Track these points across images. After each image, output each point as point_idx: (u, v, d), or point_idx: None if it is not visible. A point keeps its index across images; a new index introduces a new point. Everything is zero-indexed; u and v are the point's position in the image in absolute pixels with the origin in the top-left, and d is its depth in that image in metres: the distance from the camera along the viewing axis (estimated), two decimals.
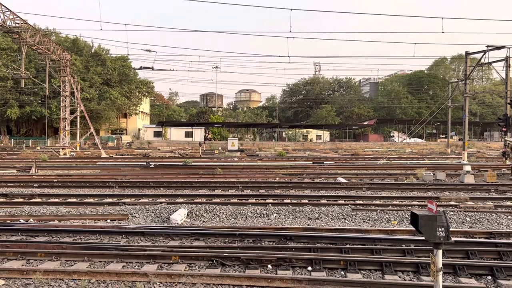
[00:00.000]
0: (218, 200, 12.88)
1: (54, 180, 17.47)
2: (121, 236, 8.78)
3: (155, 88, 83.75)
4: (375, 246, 7.84)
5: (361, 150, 50.06)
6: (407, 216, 10.56)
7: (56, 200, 13.18)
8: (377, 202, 12.91)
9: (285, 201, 12.88)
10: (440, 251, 4.94)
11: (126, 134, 73.66)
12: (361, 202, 12.81)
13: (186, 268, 6.95)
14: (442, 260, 5.09)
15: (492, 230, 9.30)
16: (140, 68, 54.40)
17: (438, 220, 4.80)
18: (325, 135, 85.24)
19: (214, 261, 7.07)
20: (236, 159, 32.26)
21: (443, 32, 27.30)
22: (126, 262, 7.17)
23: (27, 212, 11.15)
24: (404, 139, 72.43)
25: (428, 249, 7.35)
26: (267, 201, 12.74)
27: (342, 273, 6.77)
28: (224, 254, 7.25)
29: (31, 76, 38.79)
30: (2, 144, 55.41)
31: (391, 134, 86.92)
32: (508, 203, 12.84)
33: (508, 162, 27.14)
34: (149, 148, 52.66)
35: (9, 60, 54.06)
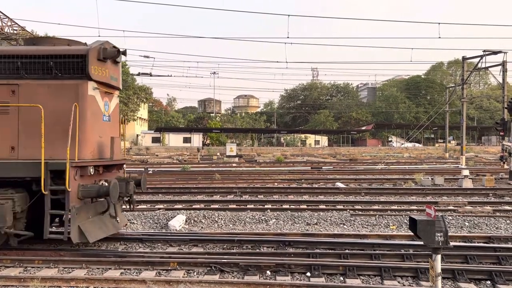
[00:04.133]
0: (216, 206, 12.86)
1: None
2: (119, 242, 8.74)
3: (153, 94, 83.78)
4: (374, 251, 7.83)
5: (359, 155, 50.12)
6: (406, 221, 10.55)
7: None
8: (376, 207, 12.90)
9: (284, 206, 12.85)
10: (439, 256, 4.93)
11: (124, 140, 73.48)
12: (359, 207, 12.81)
13: (184, 274, 6.92)
14: (441, 265, 5.09)
15: (491, 234, 9.30)
16: (138, 74, 54.45)
17: (437, 225, 4.81)
18: (323, 140, 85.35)
19: (213, 267, 7.05)
20: (234, 165, 32.26)
21: (440, 37, 27.39)
22: (124, 269, 7.13)
23: None
24: (402, 144, 72.58)
25: (427, 254, 7.35)
26: (266, 206, 12.72)
27: (341, 278, 6.76)
28: (223, 260, 7.23)
29: None
30: None
31: (389, 139, 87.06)
32: (507, 207, 12.85)
33: (506, 166, 27.18)
34: (147, 154, 52.61)
35: None
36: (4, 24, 28.31)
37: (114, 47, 8.17)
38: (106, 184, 7.83)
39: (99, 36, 25.30)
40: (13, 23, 29.15)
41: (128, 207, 8.71)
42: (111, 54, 7.99)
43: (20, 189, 7.45)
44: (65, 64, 7.58)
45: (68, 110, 7.31)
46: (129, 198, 8.47)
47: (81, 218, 7.44)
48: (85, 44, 8.21)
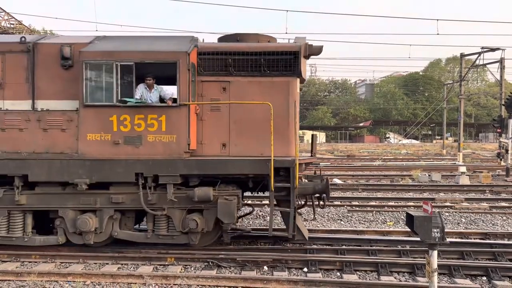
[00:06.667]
0: None
1: None
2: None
3: None
4: (371, 247, 7.86)
5: (357, 151, 50.13)
6: (403, 217, 10.59)
7: None
8: (373, 203, 12.93)
9: None
10: (435, 252, 4.95)
11: None
12: (357, 203, 12.84)
13: (181, 269, 6.93)
14: (437, 261, 5.11)
15: (487, 231, 9.35)
16: None
17: (433, 221, 4.82)
18: (321, 136, 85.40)
19: (210, 262, 7.07)
20: None
21: (438, 34, 27.35)
22: (122, 264, 7.14)
23: None
24: (400, 140, 72.74)
25: (423, 250, 7.38)
26: (264, 202, 12.73)
27: (338, 274, 6.78)
28: (220, 255, 7.24)
29: None
30: None
31: (387, 135, 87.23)
32: (503, 204, 12.90)
33: (503, 163, 27.27)
34: None
35: None
36: (1, 18, 28.13)
37: None
38: (306, 181, 7.86)
39: (96, 30, 25.12)
40: (10, 17, 28.95)
41: (319, 204, 8.30)
42: (316, 51, 7.82)
43: (236, 185, 7.46)
44: (276, 61, 7.50)
45: (277, 108, 7.31)
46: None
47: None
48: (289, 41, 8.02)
